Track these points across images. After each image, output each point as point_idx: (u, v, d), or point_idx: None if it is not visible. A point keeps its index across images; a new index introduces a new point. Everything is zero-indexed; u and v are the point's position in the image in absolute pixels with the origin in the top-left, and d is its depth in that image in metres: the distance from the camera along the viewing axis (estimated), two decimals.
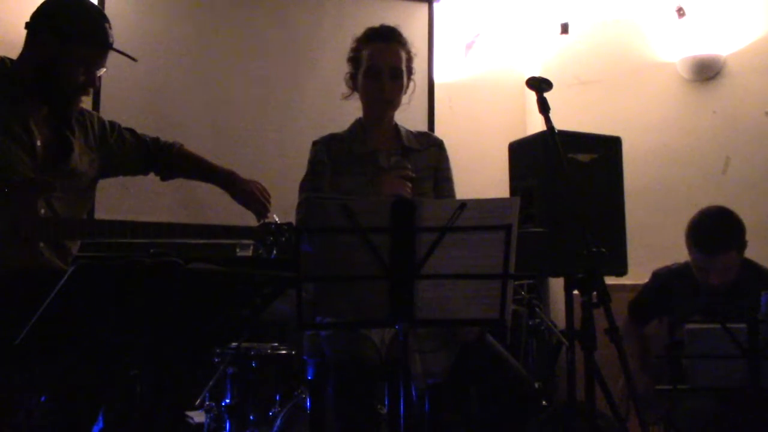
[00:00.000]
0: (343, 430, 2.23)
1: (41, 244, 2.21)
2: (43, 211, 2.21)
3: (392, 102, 2.63)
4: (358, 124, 2.72)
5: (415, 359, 2.32)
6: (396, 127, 2.71)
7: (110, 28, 2.38)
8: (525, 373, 2.43)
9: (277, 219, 2.48)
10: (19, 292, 2.08)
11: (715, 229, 2.94)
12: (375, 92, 2.60)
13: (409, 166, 2.50)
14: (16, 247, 2.15)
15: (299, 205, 2.58)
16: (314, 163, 2.63)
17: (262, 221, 2.47)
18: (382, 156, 2.63)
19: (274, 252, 2.45)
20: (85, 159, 2.41)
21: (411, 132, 2.74)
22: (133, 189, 4.18)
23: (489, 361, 2.37)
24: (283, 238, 2.45)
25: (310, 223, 2.42)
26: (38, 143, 2.27)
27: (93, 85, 2.36)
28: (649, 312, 3.26)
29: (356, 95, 2.71)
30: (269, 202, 2.59)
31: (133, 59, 2.43)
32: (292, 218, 2.55)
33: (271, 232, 2.45)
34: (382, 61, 2.58)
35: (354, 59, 2.67)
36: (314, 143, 2.68)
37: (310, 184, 2.60)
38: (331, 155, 2.62)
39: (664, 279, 3.19)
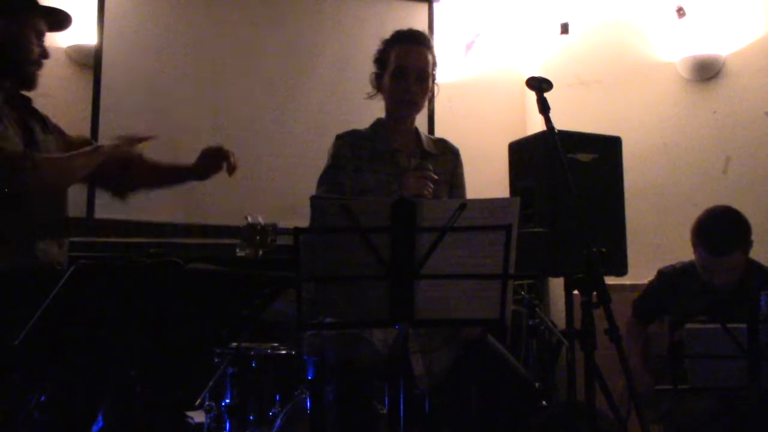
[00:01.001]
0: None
1: (39, 242, 2.22)
2: (36, 206, 2.22)
3: (416, 103, 2.66)
4: (379, 124, 2.73)
5: (416, 359, 2.32)
6: (416, 131, 2.73)
7: None
8: (526, 373, 2.42)
9: (261, 220, 2.51)
10: (19, 292, 2.08)
11: (722, 230, 2.94)
12: (400, 93, 2.62)
13: (431, 168, 2.51)
14: (14, 246, 2.15)
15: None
16: (336, 157, 2.64)
17: (247, 222, 2.49)
18: (402, 156, 2.65)
19: (261, 252, 2.47)
20: (51, 139, 2.46)
21: (429, 137, 2.78)
22: None
23: (490, 361, 2.37)
24: (269, 239, 2.48)
25: (310, 223, 2.43)
26: (18, 131, 2.30)
27: (46, 56, 2.41)
28: (653, 310, 3.26)
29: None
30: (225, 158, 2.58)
31: (68, 16, 2.47)
32: (292, 217, 2.55)
33: (258, 231, 2.48)
34: (409, 63, 2.61)
35: (380, 60, 2.69)
36: (338, 137, 2.69)
37: (329, 178, 2.61)
38: (353, 150, 2.63)
39: (670, 278, 3.19)
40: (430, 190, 2.46)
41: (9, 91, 2.39)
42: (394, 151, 2.65)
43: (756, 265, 3.05)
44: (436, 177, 2.50)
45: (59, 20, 2.47)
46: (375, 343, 2.33)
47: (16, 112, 2.39)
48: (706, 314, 2.91)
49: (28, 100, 2.46)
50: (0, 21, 2.31)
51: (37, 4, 2.38)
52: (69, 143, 2.52)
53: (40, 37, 2.37)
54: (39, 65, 2.39)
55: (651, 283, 3.27)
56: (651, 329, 3.27)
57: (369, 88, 2.73)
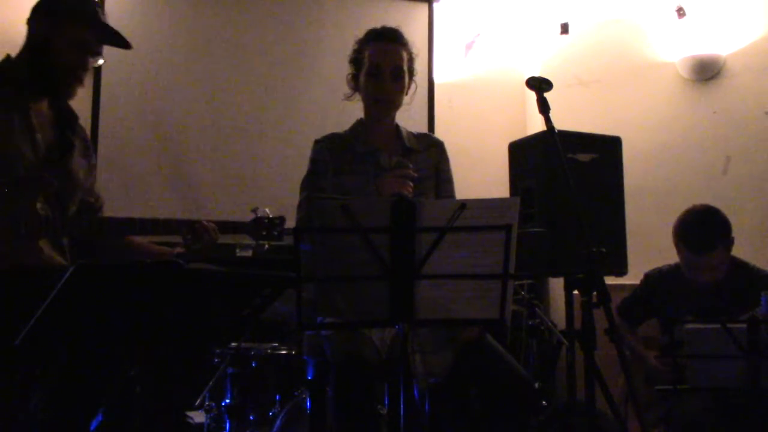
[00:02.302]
0: (343, 430, 2.23)
1: (40, 242, 2.22)
2: (40, 206, 2.22)
3: (393, 102, 2.64)
4: (359, 124, 2.73)
5: (415, 359, 2.32)
6: (397, 128, 2.72)
7: (103, 13, 2.39)
8: (525, 373, 2.42)
9: (269, 213, 2.51)
10: (19, 290, 2.08)
11: (702, 228, 2.98)
12: (376, 92, 2.61)
13: (411, 166, 2.51)
14: (16, 245, 2.15)
15: (300, 204, 2.59)
16: (315, 162, 2.65)
17: (254, 216, 2.49)
18: (383, 155, 2.64)
19: (267, 246, 2.47)
20: (84, 162, 2.44)
21: (412, 133, 2.75)
22: (133, 191, 4.19)
23: (489, 361, 2.37)
24: (276, 232, 2.48)
25: (310, 223, 2.43)
26: (38, 135, 2.29)
27: (85, 71, 2.36)
28: (639, 313, 3.28)
29: (357, 96, 2.72)
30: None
31: (128, 45, 2.43)
32: (292, 217, 2.56)
33: (265, 226, 2.48)
34: (383, 61, 2.59)
35: (356, 60, 2.68)
36: (316, 142, 2.69)
37: (310, 183, 2.61)
38: (332, 154, 2.63)
39: (655, 281, 3.22)
40: (410, 188, 2.45)
41: (54, 100, 2.38)
42: (374, 151, 2.64)
43: (740, 263, 3.07)
44: (415, 174, 2.49)
45: (113, 41, 2.42)
46: (374, 341, 2.33)
47: (60, 124, 2.36)
48: (693, 315, 2.93)
49: (75, 117, 2.42)
50: (39, 23, 2.30)
51: (81, 13, 2.33)
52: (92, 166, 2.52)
53: (81, 48, 2.31)
54: (76, 78, 2.34)
55: (637, 286, 3.29)
56: (645, 332, 3.29)
57: None
